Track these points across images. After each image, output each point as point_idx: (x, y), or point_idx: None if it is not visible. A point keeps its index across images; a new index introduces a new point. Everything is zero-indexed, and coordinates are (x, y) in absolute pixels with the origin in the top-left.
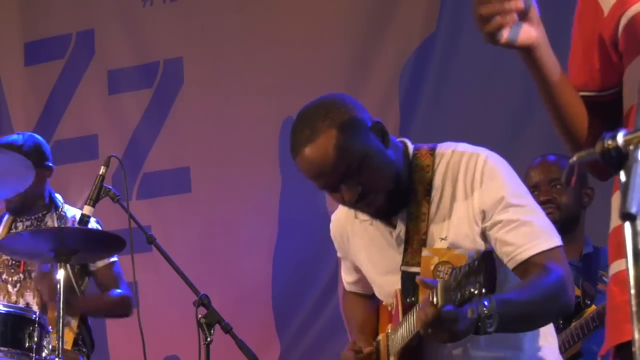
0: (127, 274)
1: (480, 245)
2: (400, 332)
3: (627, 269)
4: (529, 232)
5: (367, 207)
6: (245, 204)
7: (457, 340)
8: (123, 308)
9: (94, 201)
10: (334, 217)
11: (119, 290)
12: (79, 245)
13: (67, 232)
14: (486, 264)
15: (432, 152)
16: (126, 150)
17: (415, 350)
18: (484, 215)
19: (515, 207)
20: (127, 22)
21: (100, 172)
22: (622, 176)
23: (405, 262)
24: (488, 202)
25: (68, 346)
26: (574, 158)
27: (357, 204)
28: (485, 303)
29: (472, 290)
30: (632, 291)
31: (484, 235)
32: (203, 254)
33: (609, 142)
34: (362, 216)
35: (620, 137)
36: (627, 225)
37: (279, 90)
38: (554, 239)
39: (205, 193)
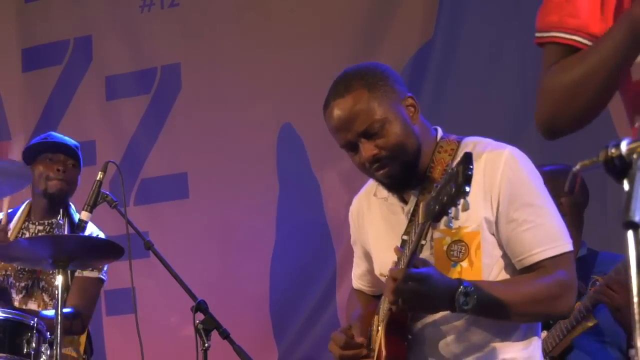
0: (125, 280)
1: (492, 229)
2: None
3: (630, 277)
4: (541, 236)
5: (381, 172)
6: (243, 210)
7: (428, 307)
8: (73, 328)
9: (91, 207)
10: (355, 198)
11: (74, 308)
12: (77, 252)
13: (65, 239)
14: (465, 165)
15: (459, 140)
16: (124, 156)
17: (401, 319)
18: (500, 206)
19: (532, 206)
20: (124, 28)
21: (98, 178)
22: (626, 185)
23: (406, 232)
24: (506, 195)
25: (77, 354)
26: (577, 166)
27: (372, 166)
28: (466, 284)
29: (451, 191)
30: (636, 299)
31: (496, 224)
32: (201, 260)
33: (613, 150)
34: (380, 193)
35: (623, 146)
36: (630, 234)
37: (276, 97)
38: (564, 245)
39: (203, 199)
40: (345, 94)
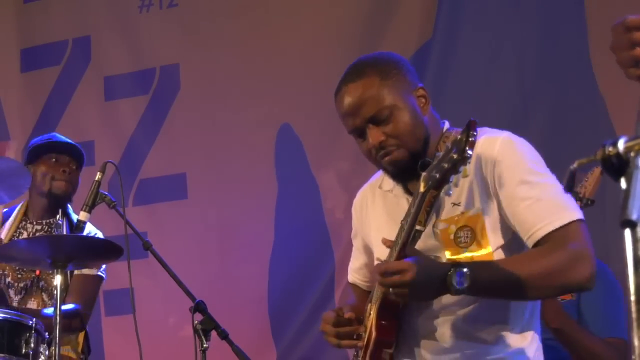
0: (123, 280)
1: (495, 212)
2: None
3: (627, 276)
4: (542, 211)
5: (387, 158)
6: (241, 210)
7: (422, 295)
8: (72, 325)
9: (90, 207)
10: (359, 190)
11: (74, 306)
12: (76, 252)
13: (64, 240)
14: (468, 130)
15: None
16: (122, 157)
17: (393, 303)
18: (497, 188)
19: (529, 183)
20: (123, 28)
21: (97, 178)
22: (623, 183)
23: (405, 217)
24: (502, 176)
25: (75, 354)
26: (575, 164)
27: (378, 152)
28: (459, 264)
29: (453, 156)
30: (632, 298)
31: (499, 206)
32: (199, 260)
33: (610, 148)
34: (385, 185)
35: (621, 144)
36: (627, 233)
37: (275, 97)
38: (570, 214)
39: (202, 199)
40: (357, 79)
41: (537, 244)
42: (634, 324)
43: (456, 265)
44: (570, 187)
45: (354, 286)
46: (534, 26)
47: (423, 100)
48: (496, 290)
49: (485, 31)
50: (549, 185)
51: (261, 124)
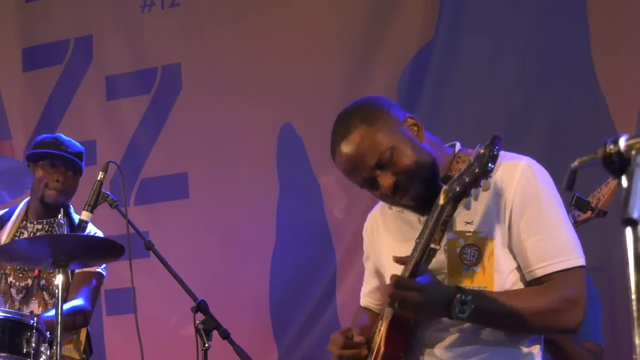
0: (125, 280)
1: (506, 238)
2: None
3: (628, 275)
4: (551, 249)
5: (406, 197)
6: (243, 210)
7: (423, 314)
8: (76, 322)
9: (92, 207)
10: (369, 214)
11: (77, 303)
12: (77, 252)
13: (66, 239)
14: (491, 145)
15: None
16: (124, 156)
17: (404, 319)
18: (512, 215)
19: (545, 218)
20: (125, 28)
21: (99, 178)
22: (624, 181)
23: (420, 235)
24: (519, 205)
25: (78, 354)
26: (576, 163)
27: (395, 194)
28: (463, 293)
29: (475, 170)
30: (634, 296)
31: (510, 234)
32: (201, 260)
33: (611, 146)
34: (396, 207)
35: (622, 142)
36: (629, 231)
37: (276, 97)
38: (574, 259)
39: (203, 199)
40: (347, 135)
41: (535, 280)
42: (635, 323)
43: (461, 292)
44: (570, 185)
45: (366, 310)
46: (536, 26)
47: (415, 128)
48: (493, 322)
49: (487, 32)
50: (562, 223)
51: (263, 124)
